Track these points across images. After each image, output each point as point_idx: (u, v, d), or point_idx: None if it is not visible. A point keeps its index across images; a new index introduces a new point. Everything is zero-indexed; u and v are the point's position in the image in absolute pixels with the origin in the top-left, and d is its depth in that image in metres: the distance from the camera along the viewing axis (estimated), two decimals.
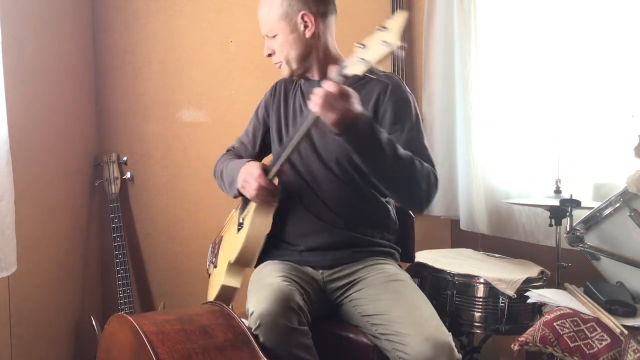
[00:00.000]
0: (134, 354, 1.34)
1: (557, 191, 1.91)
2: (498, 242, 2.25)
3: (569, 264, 1.88)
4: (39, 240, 2.30)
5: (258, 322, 1.32)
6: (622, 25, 2.01)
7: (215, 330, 1.33)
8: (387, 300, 1.44)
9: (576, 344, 1.50)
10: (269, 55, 1.61)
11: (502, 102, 2.24)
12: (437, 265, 1.87)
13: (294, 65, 1.59)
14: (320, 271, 1.58)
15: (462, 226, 2.27)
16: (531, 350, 1.57)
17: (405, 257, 1.75)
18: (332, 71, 1.38)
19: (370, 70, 1.24)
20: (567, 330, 1.53)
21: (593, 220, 1.74)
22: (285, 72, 1.62)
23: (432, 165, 1.50)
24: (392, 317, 1.39)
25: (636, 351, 1.45)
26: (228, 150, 1.86)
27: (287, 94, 1.70)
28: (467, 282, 1.80)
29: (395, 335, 1.36)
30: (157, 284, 2.71)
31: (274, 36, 1.57)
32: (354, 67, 1.24)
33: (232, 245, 1.67)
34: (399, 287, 1.48)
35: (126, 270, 2.49)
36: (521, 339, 1.56)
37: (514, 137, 2.23)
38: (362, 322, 1.47)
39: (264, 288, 1.39)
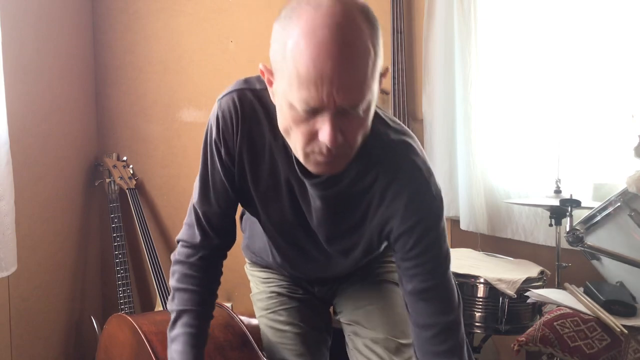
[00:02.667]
0: (133, 354, 1.34)
1: (557, 191, 1.91)
2: (498, 242, 2.25)
3: (569, 264, 1.89)
4: (39, 240, 2.30)
5: None
6: (622, 25, 2.00)
7: (215, 330, 1.33)
8: (367, 308, 1.36)
9: (576, 344, 1.50)
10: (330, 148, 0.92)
11: (502, 102, 2.24)
12: None
13: (354, 152, 0.98)
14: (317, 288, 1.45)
15: (462, 226, 2.27)
16: (531, 350, 1.57)
17: None
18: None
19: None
20: (567, 330, 1.53)
21: (593, 220, 1.75)
22: (336, 168, 0.98)
23: (458, 305, 1.15)
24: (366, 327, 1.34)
25: (636, 351, 1.45)
26: (187, 259, 1.22)
27: (257, 140, 1.09)
28: (467, 282, 1.80)
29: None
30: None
31: (354, 107, 0.90)
32: None
33: None
34: (386, 292, 1.38)
35: (126, 270, 2.49)
36: (521, 339, 1.56)
37: (514, 137, 2.23)
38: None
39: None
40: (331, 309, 1.50)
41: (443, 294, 1.12)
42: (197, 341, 1.16)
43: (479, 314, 1.80)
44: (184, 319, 1.17)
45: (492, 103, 2.23)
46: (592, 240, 1.71)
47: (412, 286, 1.10)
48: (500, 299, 1.76)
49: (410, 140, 1.10)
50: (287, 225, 1.19)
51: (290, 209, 1.15)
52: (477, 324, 1.81)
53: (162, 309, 2.56)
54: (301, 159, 0.97)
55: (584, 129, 2.09)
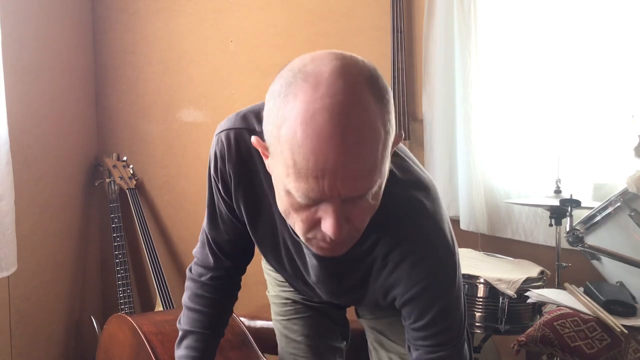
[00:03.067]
0: (133, 354, 1.34)
1: (557, 191, 1.91)
2: (498, 242, 2.25)
3: (569, 264, 1.88)
4: (39, 240, 2.30)
5: None
6: (622, 25, 2.00)
7: None
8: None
9: (576, 344, 1.50)
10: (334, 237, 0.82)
11: (502, 102, 2.24)
12: None
13: (361, 234, 0.89)
14: None
15: (462, 226, 2.27)
16: (531, 350, 1.57)
17: None
18: None
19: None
20: (567, 330, 1.53)
21: (593, 220, 1.74)
22: (341, 251, 0.90)
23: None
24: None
25: (636, 351, 1.45)
26: (199, 278, 1.18)
27: (254, 187, 1.01)
28: (467, 282, 1.80)
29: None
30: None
31: (361, 197, 0.80)
32: None
33: None
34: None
35: (126, 270, 2.49)
36: (521, 339, 1.56)
37: (514, 137, 2.22)
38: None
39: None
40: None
41: None
42: None
43: (479, 314, 1.80)
44: (188, 341, 1.15)
45: (492, 103, 2.23)
46: (592, 240, 1.71)
47: (417, 355, 1.00)
48: (500, 299, 1.75)
49: (420, 196, 0.96)
50: (287, 275, 1.13)
51: (289, 264, 1.07)
52: (477, 324, 1.81)
53: (162, 309, 2.56)
54: (303, 240, 0.87)
55: (584, 129, 2.09)
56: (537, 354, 1.60)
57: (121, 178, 2.60)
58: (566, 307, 1.60)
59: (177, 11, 2.62)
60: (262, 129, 0.85)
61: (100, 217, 2.70)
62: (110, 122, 2.72)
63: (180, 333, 1.17)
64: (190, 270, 1.20)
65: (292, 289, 1.35)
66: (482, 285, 1.79)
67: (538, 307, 1.80)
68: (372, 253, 0.97)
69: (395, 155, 0.97)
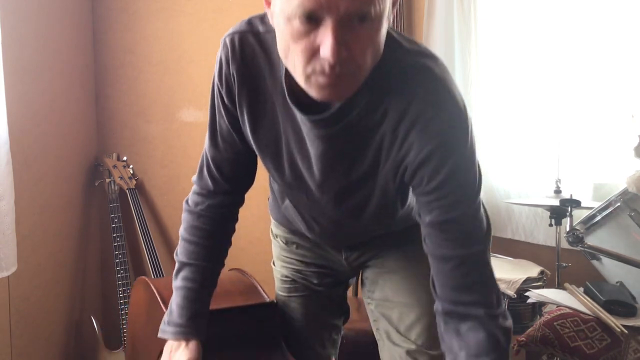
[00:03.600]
0: (146, 306, 1.39)
1: (557, 191, 1.91)
2: (498, 242, 2.25)
3: (569, 264, 1.89)
4: (39, 240, 2.30)
5: None
6: (622, 25, 2.00)
7: (224, 281, 1.29)
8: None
9: (576, 344, 1.50)
10: (334, 62, 0.80)
11: (502, 102, 2.24)
12: None
13: (364, 76, 0.86)
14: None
15: None
16: (531, 350, 1.57)
17: None
18: None
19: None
20: (567, 330, 1.53)
21: (593, 220, 1.75)
22: (342, 92, 0.87)
23: (486, 237, 1.00)
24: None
25: (636, 351, 1.45)
26: (195, 208, 1.17)
27: (258, 89, 1.02)
28: None
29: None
30: None
31: (361, 15, 0.79)
32: None
33: None
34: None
35: (126, 270, 2.49)
36: (521, 339, 1.56)
37: (514, 137, 2.23)
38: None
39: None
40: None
41: (467, 225, 0.95)
42: (198, 295, 1.13)
43: None
44: (185, 272, 1.15)
45: (492, 103, 2.23)
46: (592, 240, 1.71)
47: (431, 218, 0.96)
48: None
49: (429, 62, 0.95)
50: (288, 188, 1.11)
51: (290, 169, 1.05)
52: None
53: None
54: (302, 82, 0.85)
55: (584, 129, 2.10)
56: (537, 354, 1.60)
57: (121, 178, 2.60)
58: (566, 307, 1.60)
59: (177, 11, 2.62)
60: (266, 29, 0.93)
61: (100, 217, 2.70)
62: (110, 122, 2.72)
63: (177, 265, 1.17)
64: (187, 202, 1.19)
65: (292, 263, 1.34)
66: None
67: (538, 307, 1.80)
68: (381, 126, 0.94)
69: (398, 32, 0.98)
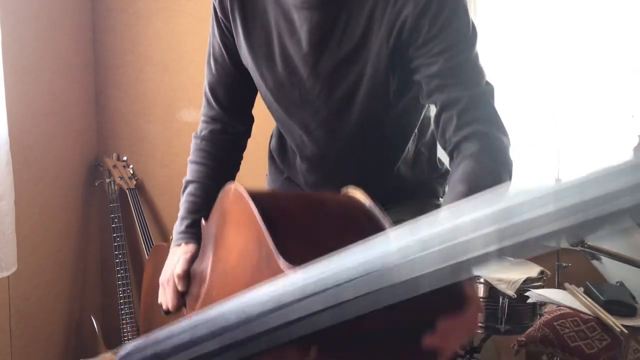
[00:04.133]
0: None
1: None
2: None
3: (569, 264, 1.88)
4: (39, 240, 2.30)
5: None
6: (622, 24, 2.00)
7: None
8: None
9: (576, 343, 1.50)
10: None
11: (501, 101, 2.23)
12: None
13: None
14: None
15: None
16: (531, 350, 1.57)
17: None
18: None
19: None
20: (567, 330, 1.53)
21: None
22: None
23: (487, 83, 1.09)
24: None
25: (636, 351, 1.45)
26: (199, 133, 1.24)
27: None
28: None
29: None
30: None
31: None
32: None
33: None
34: None
35: (126, 270, 2.49)
36: (521, 339, 1.56)
37: (514, 136, 2.21)
38: None
39: None
40: None
41: (472, 68, 1.04)
42: (199, 207, 1.18)
43: (479, 313, 1.80)
44: (190, 189, 1.23)
45: None
46: (592, 240, 1.72)
47: (437, 68, 0.98)
48: (500, 299, 1.75)
49: None
50: (282, 88, 1.11)
51: (283, 65, 1.07)
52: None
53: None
54: None
55: (584, 129, 2.09)
56: (537, 354, 1.61)
57: (121, 178, 2.60)
58: (566, 307, 1.60)
59: (177, 11, 2.62)
60: None
61: (100, 217, 2.70)
62: (110, 122, 2.72)
63: (183, 185, 1.26)
64: (196, 132, 1.26)
65: None
66: (482, 285, 1.79)
67: (538, 307, 1.80)
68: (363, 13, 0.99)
69: None
